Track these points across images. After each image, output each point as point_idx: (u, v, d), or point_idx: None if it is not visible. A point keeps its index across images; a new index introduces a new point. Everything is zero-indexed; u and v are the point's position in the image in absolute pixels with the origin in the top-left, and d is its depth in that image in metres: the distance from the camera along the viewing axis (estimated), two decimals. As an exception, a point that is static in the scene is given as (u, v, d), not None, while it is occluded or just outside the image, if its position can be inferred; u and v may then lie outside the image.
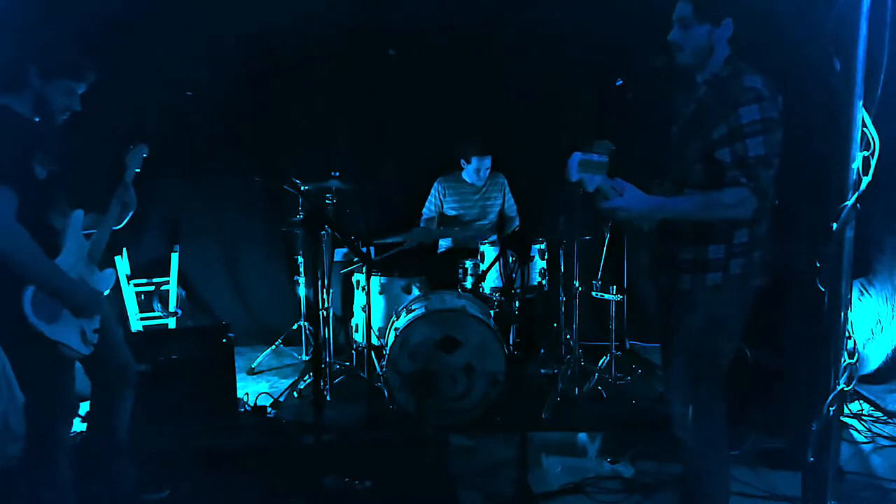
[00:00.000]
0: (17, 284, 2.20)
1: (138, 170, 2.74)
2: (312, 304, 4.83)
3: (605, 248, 4.37)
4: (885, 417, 3.87)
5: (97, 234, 2.57)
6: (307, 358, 5.04)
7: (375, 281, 4.41)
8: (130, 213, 2.72)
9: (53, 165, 2.31)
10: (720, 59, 2.30)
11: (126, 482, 2.76)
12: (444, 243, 5.05)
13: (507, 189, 5.03)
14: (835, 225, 2.24)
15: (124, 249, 4.78)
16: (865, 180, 2.21)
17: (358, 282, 4.57)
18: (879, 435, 3.67)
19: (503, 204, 5.03)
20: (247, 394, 4.18)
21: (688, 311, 2.34)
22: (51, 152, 2.32)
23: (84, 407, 2.81)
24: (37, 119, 2.34)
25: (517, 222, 5.07)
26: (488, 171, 4.87)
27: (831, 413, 2.30)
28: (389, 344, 3.89)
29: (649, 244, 2.45)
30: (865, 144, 2.21)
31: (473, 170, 4.85)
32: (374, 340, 4.35)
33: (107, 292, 2.62)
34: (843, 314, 2.28)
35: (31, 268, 2.21)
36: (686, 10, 2.27)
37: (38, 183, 2.24)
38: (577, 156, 2.19)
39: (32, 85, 2.29)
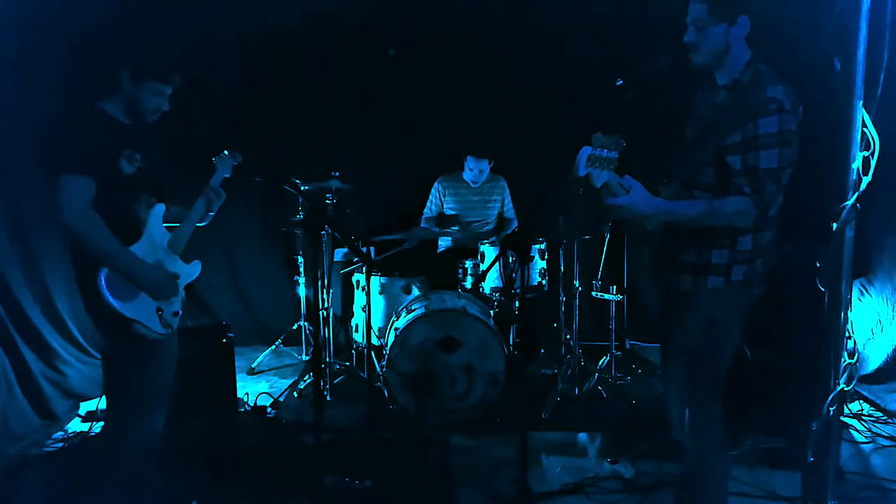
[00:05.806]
0: (96, 264, 2.32)
1: (227, 175, 2.85)
2: (312, 304, 4.83)
3: (605, 248, 4.37)
4: (885, 417, 3.87)
5: (181, 227, 2.67)
6: (307, 358, 5.04)
7: (375, 281, 4.41)
8: (213, 213, 2.82)
9: (142, 163, 2.45)
10: (740, 61, 2.26)
11: (153, 490, 2.68)
12: (444, 243, 5.05)
13: (507, 192, 5.03)
14: (835, 225, 2.23)
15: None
16: (865, 180, 2.20)
17: (358, 282, 4.57)
18: (879, 435, 3.68)
19: (502, 205, 5.04)
20: (247, 394, 4.18)
21: (688, 312, 2.34)
22: (140, 150, 2.45)
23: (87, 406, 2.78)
24: (128, 121, 2.47)
25: (515, 225, 5.07)
26: (484, 174, 4.87)
27: (831, 413, 2.29)
28: (389, 344, 3.89)
29: (650, 244, 2.44)
30: (865, 144, 2.20)
31: (469, 171, 4.86)
32: (374, 340, 4.35)
33: (187, 282, 2.69)
34: (843, 314, 2.27)
35: (102, 250, 2.32)
36: (700, 11, 2.23)
37: (123, 177, 2.39)
38: (586, 150, 2.16)
39: (124, 88, 2.43)
